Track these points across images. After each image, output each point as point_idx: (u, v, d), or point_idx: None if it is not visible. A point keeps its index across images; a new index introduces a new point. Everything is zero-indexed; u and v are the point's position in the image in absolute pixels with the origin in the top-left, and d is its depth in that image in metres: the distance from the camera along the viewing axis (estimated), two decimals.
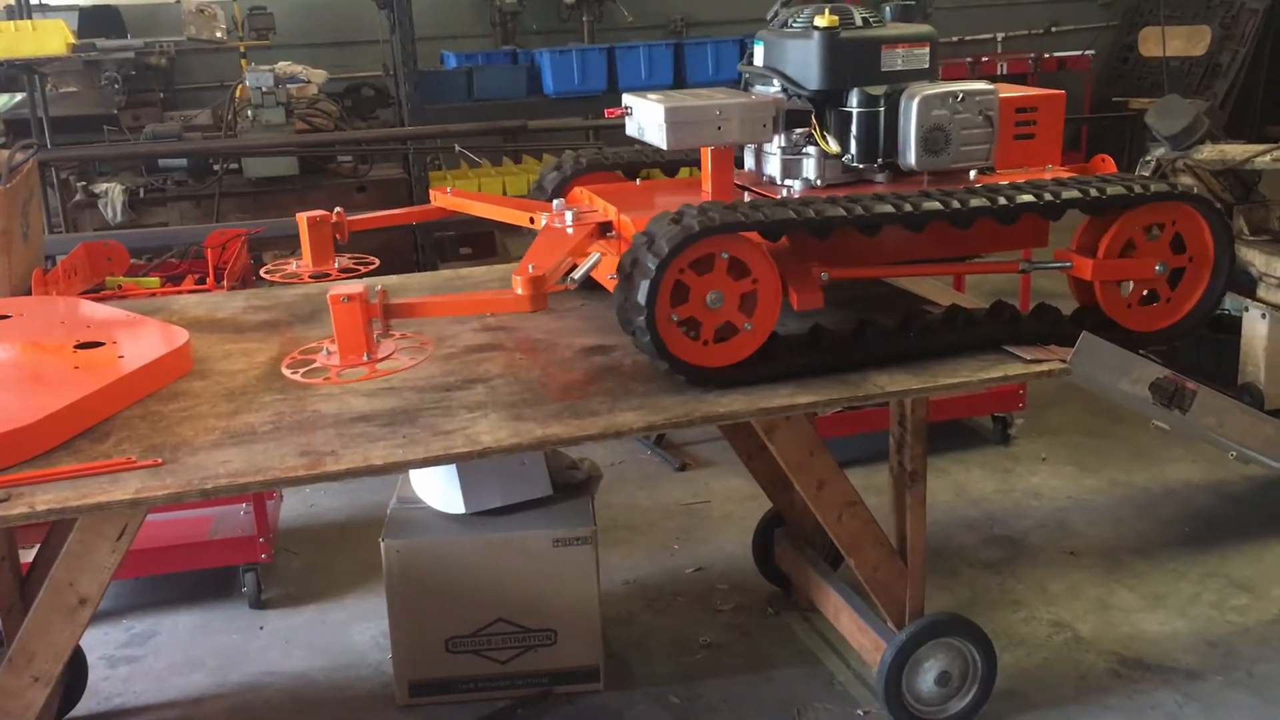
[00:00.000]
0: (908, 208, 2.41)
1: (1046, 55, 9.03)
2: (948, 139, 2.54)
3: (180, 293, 3.51)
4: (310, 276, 2.92)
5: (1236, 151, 4.85)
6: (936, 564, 3.73)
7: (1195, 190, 2.60)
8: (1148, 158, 5.17)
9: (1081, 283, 2.62)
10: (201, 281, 3.66)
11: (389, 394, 2.45)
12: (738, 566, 3.81)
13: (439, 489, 3.20)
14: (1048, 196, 2.47)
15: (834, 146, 2.59)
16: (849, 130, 2.59)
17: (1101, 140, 8.82)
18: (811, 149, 2.66)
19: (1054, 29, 10.02)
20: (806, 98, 2.61)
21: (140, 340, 2.63)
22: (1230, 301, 4.76)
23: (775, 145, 2.68)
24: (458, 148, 4.92)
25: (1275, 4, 9.13)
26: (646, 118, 2.61)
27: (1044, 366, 2.48)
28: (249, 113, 5.52)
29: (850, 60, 2.56)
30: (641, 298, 2.27)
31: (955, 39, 9.64)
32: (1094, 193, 2.49)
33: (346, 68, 7.96)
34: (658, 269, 2.26)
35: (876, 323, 2.50)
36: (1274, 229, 5.12)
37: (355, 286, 2.25)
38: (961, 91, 2.53)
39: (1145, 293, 2.61)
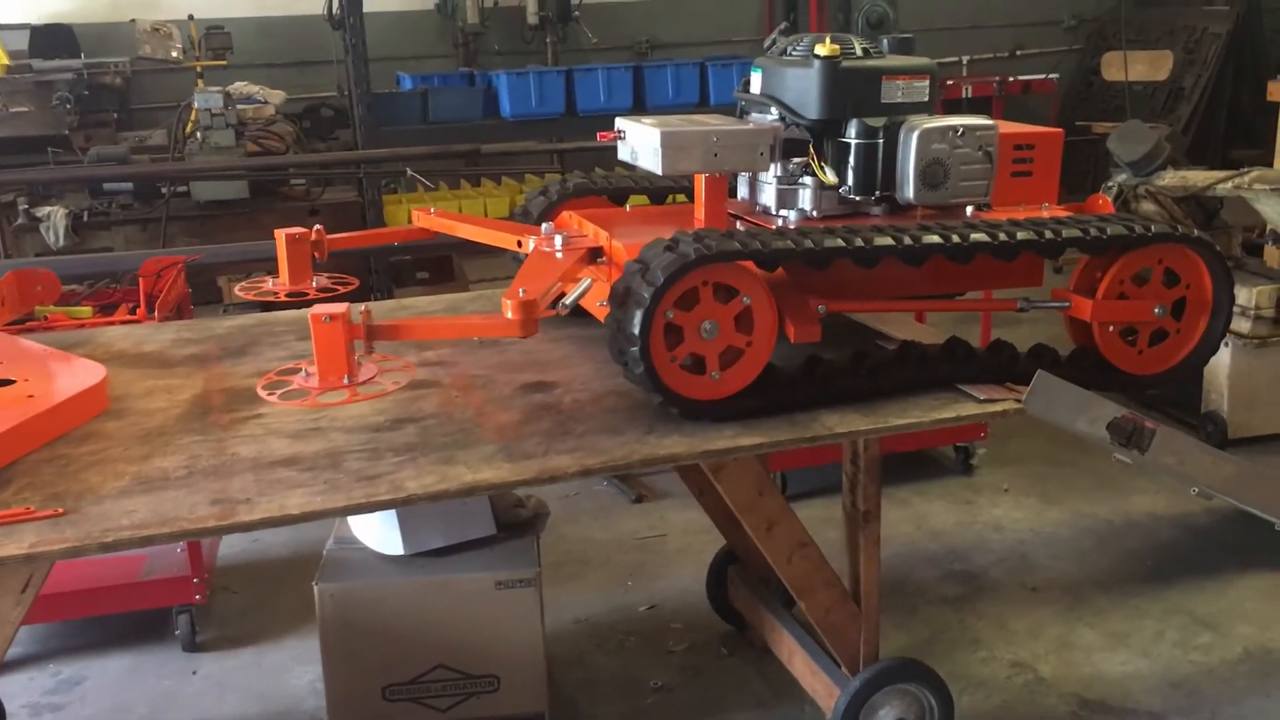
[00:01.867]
0: (907, 241, 2.35)
1: (1011, 78, 9.00)
2: (946, 174, 2.49)
3: (110, 324, 3.38)
4: (287, 295, 2.84)
5: (1198, 178, 4.81)
6: (895, 600, 3.63)
7: (1185, 229, 2.54)
8: (1110, 183, 5.12)
9: (1078, 324, 2.57)
10: (134, 311, 3.52)
11: (315, 435, 2.34)
12: (692, 604, 3.70)
13: (377, 529, 3.08)
14: (1048, 234, 2.42)
15: (831, 177, 2.53)
16: (847, 161, 2.53)
17: (1066, 165, 8.78)
18: (808, 179, 2.59)
19: (1019, 52, 10.01)
20: (805, 127, 2.56)
21: (54, 377, 2.50)
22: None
23: (771, 175, 2.62)
24: (409, 171, 4.81)
25: (1236, 28, 9.16)
26: (641, 142, 2.55)
27: (998, 406, 2.39)
28: (198, 135, 5.39)
29: (850, 90, 2.50)
30: (635, 327, 2.20)
31: None
32: (1094, 232, 2.44)
33: (306, 88, 7.85)
34: (652, 297, 2.18)
35: (826, 360, 2.41)
36: (1236, 255, 5.09)
37: (337, 306, 2.19)
38: (962, 126, 2.49)
39: (1136, 335, 2.58)
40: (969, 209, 2.56)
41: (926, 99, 2.55)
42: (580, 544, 4.15)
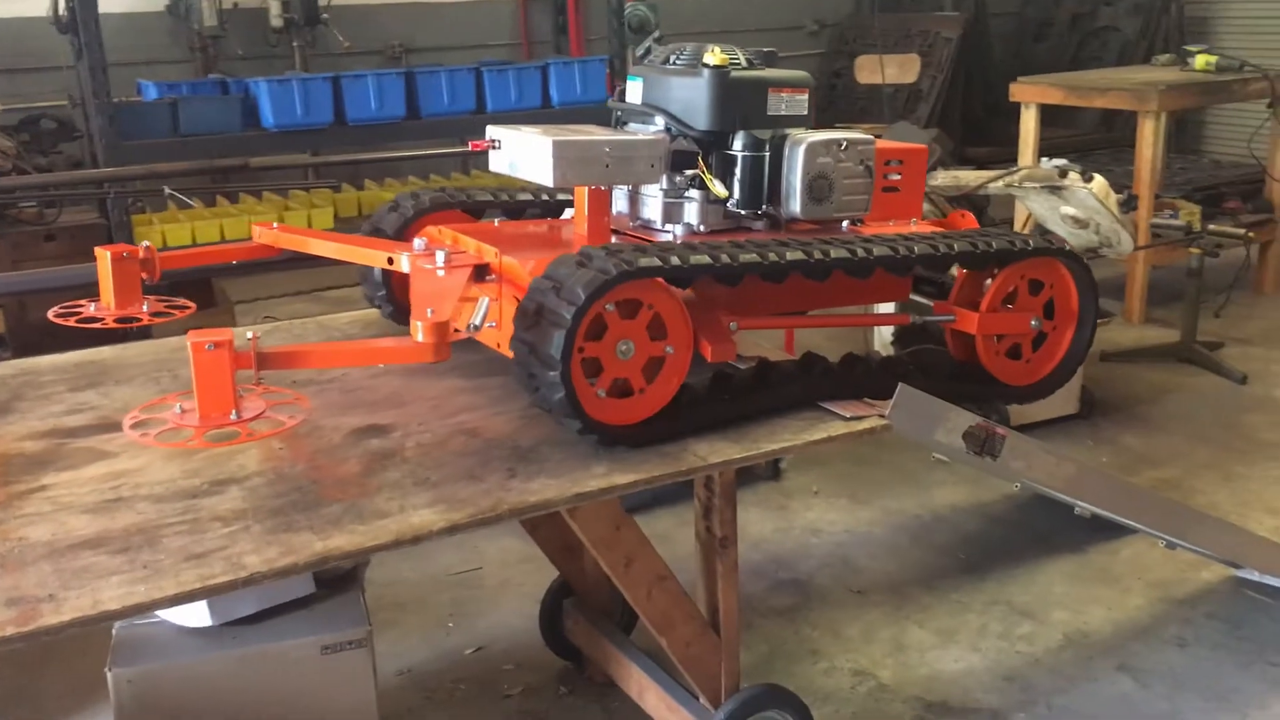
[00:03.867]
0: (817, 255, 2.29)
1: None
2: (831, 188, 2.44)
3: None
4: (115, 321, 2.53)
5: (970, 177, 5.00)
6: None
7: (1056, 243, 2.61)
8: None
9: (959, 337, 2.58)
10: None
11: (119, 507, 2.00)
12: (522, 642, 3.49)
13: None
14: (942, 248, 2.42)
15: (722, 190, 2.43)
16: (733, 175, 2.44)
17: None
18: (695, 192, 2.48)
19: None
20: (692, 138, 2.45)
21: None
22: None
23: (656, 188, 2.49)
24: (167, 190, 4.36)
25: (966, 32, 9.71)
26: (524, 152, 2.39)
27: (865, 424, 2.32)
28: None
29: (739, 101, 2.43)
30: (555, 349, 2.02)
31: None
32: (983, 246, 2.47)
33: (22, 96, 7.06)
34: (574, 316, 2.02)
35: (689, 387, 2.28)
36: None
37: (220, 332, 1.95)
38: (845, 140, 2.45)
39: (1010, 348, 2.62)
40: (844, 224, 2.51)
41: (806, 113, 2.49)
42: (391, 586, 3.86)
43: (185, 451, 2.22)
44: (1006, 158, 8.79)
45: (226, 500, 2.03)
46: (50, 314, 2.51)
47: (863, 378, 2.45)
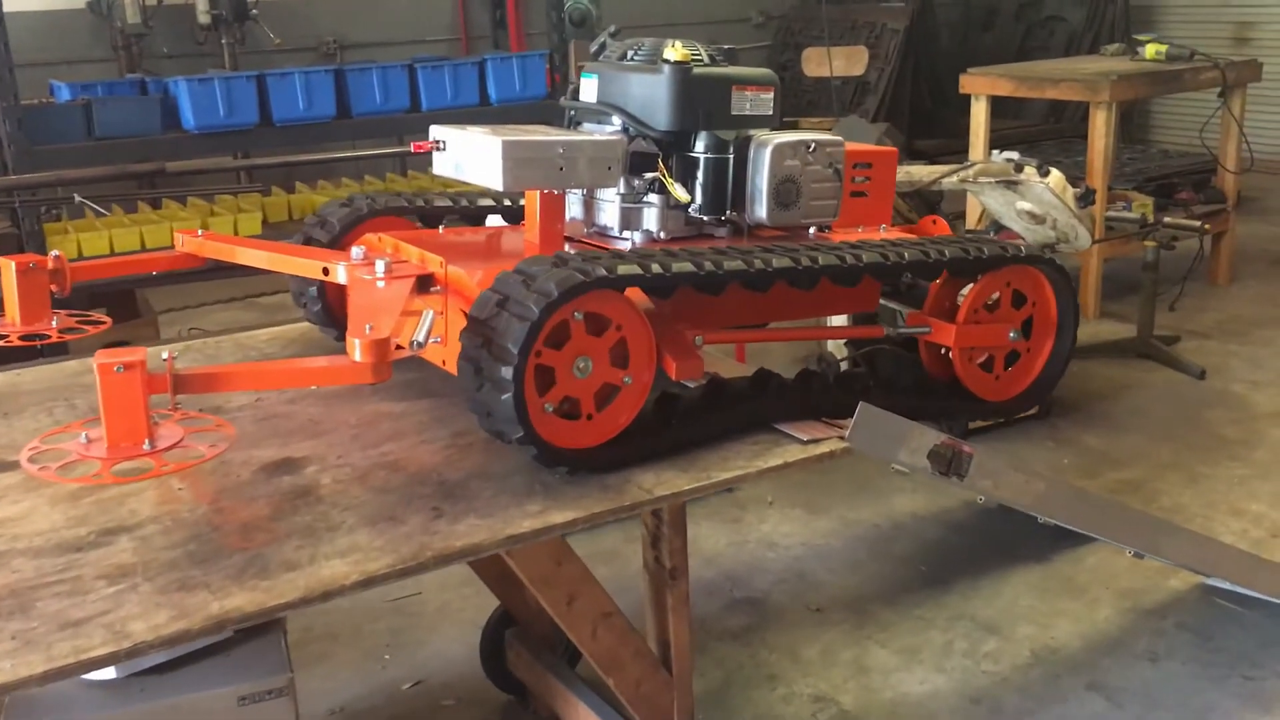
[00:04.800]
0: (805, 262, 2.14)
1: None
2: (799, 192, 2.28)
3: None
4: (21, 338, 2.31)
5: (922, 172, 4.84)
6: None
7: (1031, 250, 2.46)
8: None
9: (933, 350, 2.45)
10: None
11: None
12: (462, 674, 3.29)
13: None
14: (934, 254, 2.28)
15: (684, 195, 2.26)
16: (694, 178, 2.28)
17: None
18: (654, 197, 2.30)
19: None
20: (652, 139, 2.28)
21: None
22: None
23: (613, 192, 2.32)
24: (77, 197, 4.10)
25: (913, 23, 9.61)
26: (470, 154, 2.21)
27: (824, 447, 2.14)
28: None
29: (701, 100, 2.26)
30: (514, 343, 1.85)
31: None
32: (974, 252, 2.32)
33: None
34: (542, 310, 1.85)
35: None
36: None
37: (131, 352, 1.74)
38: (813, 141, 2.29)
39: (985, 360, 2.49)
40: (810, 230, 2.34)
41: (771, 112, 2.33)
42: (322, 614, 3.63)
43: (72, 495, 2.00)
44: (955, 149, 8.70)
45: (114, 553, 1.81)
46: None
47: (820, 395, 2.27)
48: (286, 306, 6.73)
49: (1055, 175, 4.25)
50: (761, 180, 2.26)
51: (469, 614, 3.52)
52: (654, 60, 2.29)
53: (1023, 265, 2.42)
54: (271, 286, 6.67)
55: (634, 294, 2.04)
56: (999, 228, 4.94)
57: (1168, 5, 10.15)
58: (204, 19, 7.68)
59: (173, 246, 2.67)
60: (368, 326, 1.81)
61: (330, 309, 2.60)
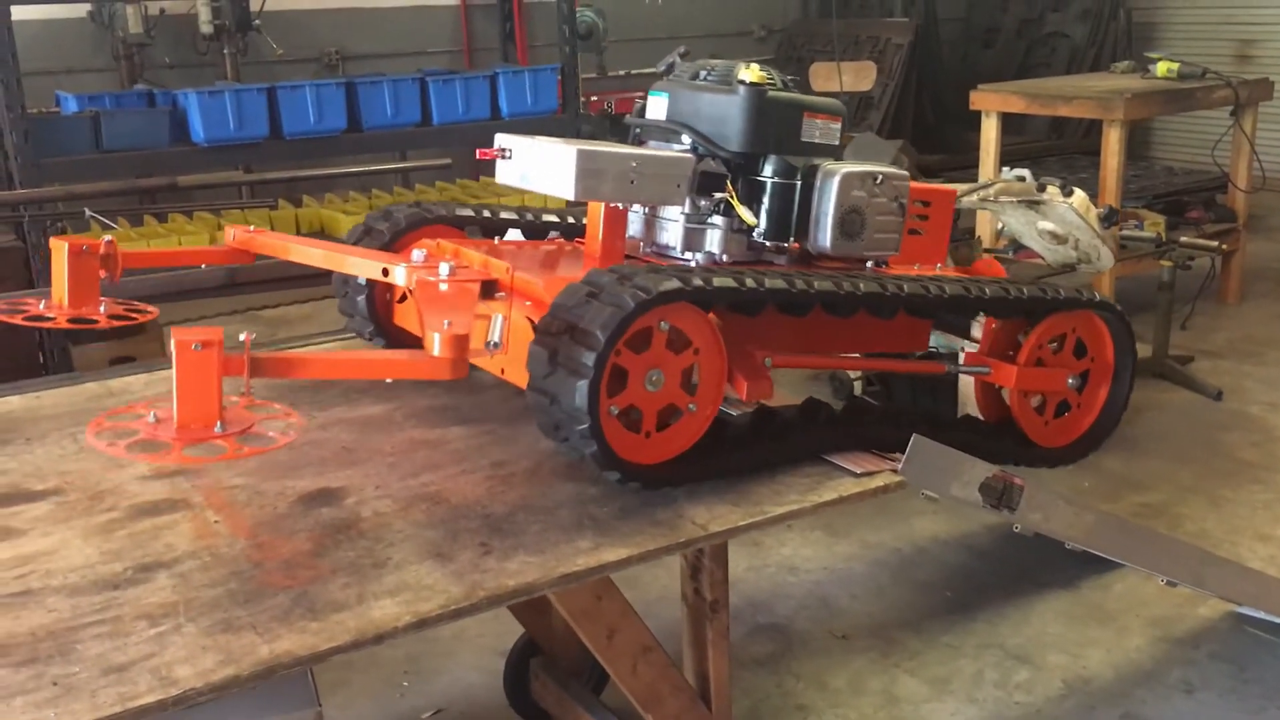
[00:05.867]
0: (891, 289, 2.16)
1: None
2: (863, 223, 2.26)
3: None
4: (70, 321, 2.27)
5: None
6: None
7: (1089, 295, 2.46)
8: None
9: (990, 392, 2.45)
10: None
11: (25, 603, 1.71)
12: (483, 703, 3.22)
13: None
14: (1014, 293, 2.30)
15: (751, 218, 2.24)
16: (760, 202, 2.26)
17: None
18: (719, 219, 2.27)
19: None
20: (722, 160, 2.26)
21: None
22: (940, 340, 4.71)
23: (678, 211, 2.29)
24: (88, 212, 4.03)
25: (917, 39, 9.58)
26: (539, 163, 2.19)
27: (878, 481, 2.09)
28: None
29: (773, 123, 2.26)
30: (604, 329, 1.83)
31: (623, 72, 9.47)
32: (1051, 294, 2.35)
33: None
34: (639, 306, 1.84)
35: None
36: None
37: (209, 331, 1.70)
38: (881, 174, 2.28)
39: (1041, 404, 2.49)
40: (869, 264, 2.31)
41: (837, 143, 2.31)
42: None
43: (104, 527, 1.93)
44: (958, 165, 8.68)
45: (153, 590, 1.74)
46: None
47: (869, 426, 2.23)
48: (289, 321, 6.68)
49: (1079, 195, 4.21)
50: (828, 208, 2.23)
51: (488, 640, 3.45)
52: (728, 81, 2.28)
53: (1087, 311, 2.41)
54: (274, 300, 6.59)
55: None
56: (1018, 247, 4.91)
57: (1170, 23, 10.15)
58: (206, 29, 7.59)
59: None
60: (446, 322, 1.78)
61: (378, 318, 2.58)
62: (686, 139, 2.30)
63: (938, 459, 2.16)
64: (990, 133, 6.20)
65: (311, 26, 8.38)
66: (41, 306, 2.30)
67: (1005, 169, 4.77)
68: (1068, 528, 2.42)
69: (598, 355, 1.82)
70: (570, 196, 2.12)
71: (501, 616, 3.07)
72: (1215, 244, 5.27)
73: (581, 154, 2.09)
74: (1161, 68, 6.15)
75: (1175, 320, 5.95)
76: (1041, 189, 4.28)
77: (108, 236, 2.40)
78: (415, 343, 2.49)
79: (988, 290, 2.24)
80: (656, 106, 2.39)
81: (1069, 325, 2.41)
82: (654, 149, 2.33)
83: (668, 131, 2.35)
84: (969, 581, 3.85)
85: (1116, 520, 2.57)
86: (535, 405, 1.94)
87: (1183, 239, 5.28)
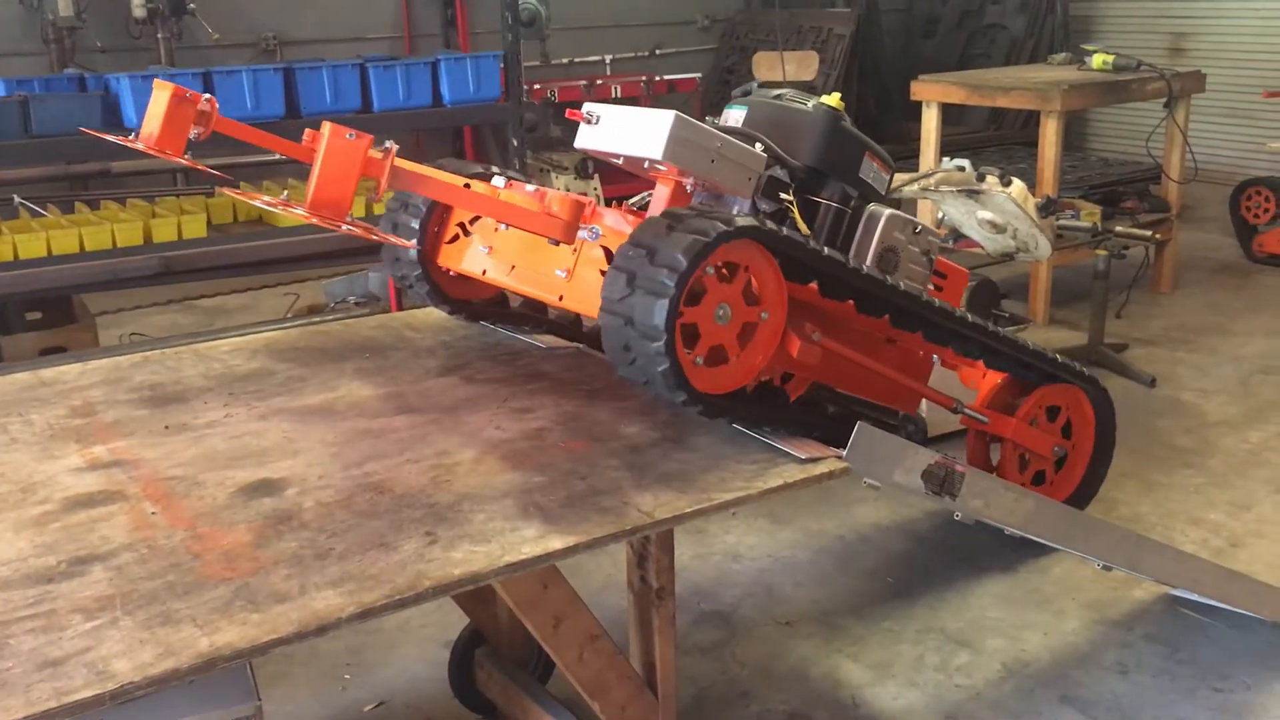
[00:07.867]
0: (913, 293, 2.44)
1: (657, 78, 9.00)
2: (896, 264, 2.45)
3: None
4: (153, 148, 2.24)
5: None
6: None
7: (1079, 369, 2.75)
8: None
9: (979, 441, 2.73)
10: None
11: None
12: (427, 694, 3.20)
13: None
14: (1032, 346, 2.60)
15: (805, 229, 2.38)
16: (812, 220, 2.43)
17: None
18: (770, 225, 2.36)
19: (658, 51, 10.07)
20: (790, 168, 2.42)
21: None
22: None
23: (735, 208, 2.39)
24: (17, 199, 3.93)
25: (859, 29, 9.65)
26: (630, 125, 2.30)
27: (823, 467, 2.11)
28: None
29: (841, 150, 2.47)
30: (670, 277, 1.96)
31: (566, 60, 9.44)
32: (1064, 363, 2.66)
33: None
34: (719, 236, 2.00)
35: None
36: None
37: (362, 135, 2.00)
38: (920, 225, 2.49)
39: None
40: None
41: (884, 191, 2.52)
42: None
43: (37, 521, 1.89)
44: (900, 154, 8.75)
45: (89, 583, 1.71)
46: None
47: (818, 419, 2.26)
48: (227, 310, 6.57)
49: (1018, 185, 4.27)
50: (871, 241, 2.42)
51: (431, 631, 3.43)
52: (806, 101, 2.47)
53: (1072, 386, 2.69)
54: (211, 289, 6.48)
55: None
56: (959, 237, 4.97)
57: (1105, 15, 10.31)
58: (139, 12, 7.44)
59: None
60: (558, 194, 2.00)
61: (435, 282, 2.73)
62: (759, 147, 2.41)
63: (881, 446, 2.18)
64: (930, 123, 6.26)
65: (248, 10, 8.24)
66: (132, 136, 2.34)
67: (945, 159, 4.82)
68: (1007, 514, 2.45)
69: (681, 274, 1.93)
70: (657, 156, 2.21)
71: (445, 607, 3.06)
72: (1149, 234, 5.37)
73: (679, 118, 2.21)
74: (1097, 60, 6.25)
75: (1110, 308, 6.05)
76: (981, 179, 4.33)
77: (208, 95, 2.35)
78: (456, 283, 2.75)
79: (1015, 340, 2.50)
80: (734, 117, 2.54)
81: (1075, 397, 2.67)
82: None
83: (745, 137, 2.47)
84: (910, 567, 3.89)
85: (1054, 506, 2.61)
86: (608, 327, 2.03)
87: (1118, 229, 5.38)
